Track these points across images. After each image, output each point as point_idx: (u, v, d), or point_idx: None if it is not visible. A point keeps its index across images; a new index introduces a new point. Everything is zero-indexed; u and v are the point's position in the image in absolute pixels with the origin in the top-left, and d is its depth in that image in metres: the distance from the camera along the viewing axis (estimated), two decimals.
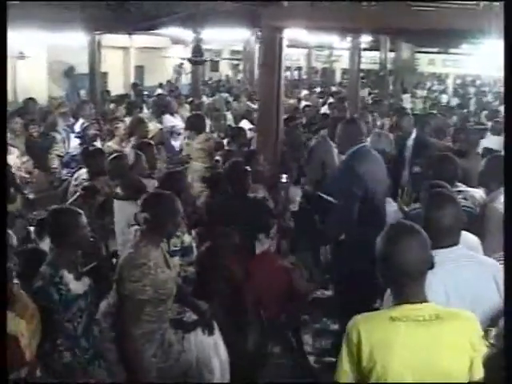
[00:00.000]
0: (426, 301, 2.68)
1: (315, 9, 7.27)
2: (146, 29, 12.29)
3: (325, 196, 5.71)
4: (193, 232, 4.56)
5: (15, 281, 3.54)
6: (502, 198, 4.77)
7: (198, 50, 12.34)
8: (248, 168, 5.91)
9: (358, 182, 5.46)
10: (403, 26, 8.57)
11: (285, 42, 6.99)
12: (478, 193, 5.25)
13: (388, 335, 2.58)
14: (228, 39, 19.06)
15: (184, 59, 17.98)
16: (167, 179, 4.71)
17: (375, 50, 18.88)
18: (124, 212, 5.51)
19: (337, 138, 5.96)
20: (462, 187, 5.26)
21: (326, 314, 6.48)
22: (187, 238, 4.39)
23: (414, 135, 8.05)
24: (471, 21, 6.86)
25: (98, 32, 13.64)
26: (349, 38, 15.03)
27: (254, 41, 20.26)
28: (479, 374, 2.64)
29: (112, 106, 14.26)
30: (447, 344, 2.58)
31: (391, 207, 5.93)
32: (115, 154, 6.40)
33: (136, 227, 4.31)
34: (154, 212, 3.93)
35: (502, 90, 26.20)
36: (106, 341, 3.98)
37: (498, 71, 23.72)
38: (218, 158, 8.55)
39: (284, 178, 6.74)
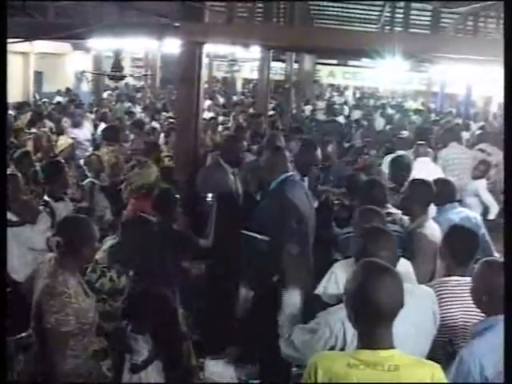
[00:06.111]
0: (392, 347, 2.55)
1: (232, 25, 7.67)
2: (53, 37, 11.61)
3: (251, 234, 4.95)
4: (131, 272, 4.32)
5: None
6: (428, 224, 4.80)
7: (117, 65, 11.68)
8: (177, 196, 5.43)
9: (295, 211, 5.06)
10: (308, 44, 8.85)
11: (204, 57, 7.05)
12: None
13: (344, 381, 2.51)
14: (131, 47, 18.75)
15: (104, 75, 17.19)
16: None
17: (280, 61, 19.05)
18: (18, 238, 5.16)
19: (263, 165, 5.55)
20: (392, 209, 5.16)
21: None
22: (123, 280, 4.19)
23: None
24: (368, 42, 7.22)
25: None
26: (254, 49, 14.93)
27: (157, 49, 20.01)
28: None
29: (12, 112, 13.74)
30: None
31: None
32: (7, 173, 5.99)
33: (50, 254, 4.02)
34: (67, 236, 3.73)
35: (402, 102, 27.11)
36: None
37: (395, 84, 24.63)
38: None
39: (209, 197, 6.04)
